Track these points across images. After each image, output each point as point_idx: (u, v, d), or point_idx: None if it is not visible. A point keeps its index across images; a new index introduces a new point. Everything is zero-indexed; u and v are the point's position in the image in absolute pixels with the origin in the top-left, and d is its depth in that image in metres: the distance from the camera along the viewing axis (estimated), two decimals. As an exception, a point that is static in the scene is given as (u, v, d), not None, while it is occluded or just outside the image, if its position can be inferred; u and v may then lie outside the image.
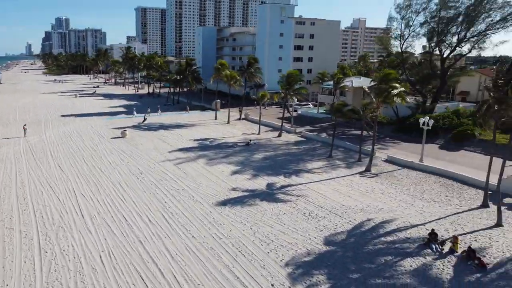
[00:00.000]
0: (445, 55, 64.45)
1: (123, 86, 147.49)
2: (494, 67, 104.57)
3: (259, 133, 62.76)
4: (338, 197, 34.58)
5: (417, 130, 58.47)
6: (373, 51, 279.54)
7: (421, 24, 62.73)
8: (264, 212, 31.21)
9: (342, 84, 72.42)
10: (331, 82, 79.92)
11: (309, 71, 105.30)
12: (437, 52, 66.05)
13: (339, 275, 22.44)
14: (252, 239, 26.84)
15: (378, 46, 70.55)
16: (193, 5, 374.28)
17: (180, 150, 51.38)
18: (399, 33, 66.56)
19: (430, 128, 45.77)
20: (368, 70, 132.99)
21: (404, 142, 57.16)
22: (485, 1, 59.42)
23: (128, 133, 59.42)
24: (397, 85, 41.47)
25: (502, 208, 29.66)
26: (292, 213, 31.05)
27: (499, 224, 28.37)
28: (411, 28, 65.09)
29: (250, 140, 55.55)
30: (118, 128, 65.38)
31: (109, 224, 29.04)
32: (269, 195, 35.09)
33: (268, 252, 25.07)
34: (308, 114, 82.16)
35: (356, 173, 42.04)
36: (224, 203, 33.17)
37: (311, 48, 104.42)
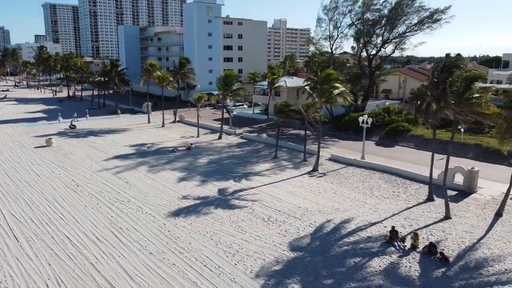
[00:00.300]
0: (371, 56, 67.67)
1: (38, 89, 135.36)
2: (408, 66, 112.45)
3: (198, 136, 60.82)
4: (293, 199, 34.29)
5: (353, 128, 60.90)
6: (295, 51, 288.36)
7: (349, 26, 65.26)
8: (221, 220, 29.84)
9: (277, 84, 72.99)
10: (265, 82, 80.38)
11: (240, 71, 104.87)
12: (364, 53, 69.18)
13: (313, 282, 21.92)
14: (215, 250, 25.39)
15: (310, 47, 71.75)
16: (109, 3, 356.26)
17: (117, 157, 47.84)
18: (328, 34, 68.66)
19: (369, 125, 47.52)
20: (295, 69, 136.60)
21: (342, 140, 58.97)
22: (404, 5, 63.43)
23: (54, 141, 54.08)
24: (338, 85, 42.31)
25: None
26: (251, 220, 30.05)
27: (447, 216, 29.96)
28: (339, 29, 67.46)
29: (191, 144, 53.53)
30: (41, 136, 59.40)
31: (51, 246, 25.75)
32: (223, 201, 33.75)
33: (235, 264, 23.83)
34: (244, 115, 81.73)
35: (304, 173, 42.21)
36: (177, 213, 31.19)
37: (240, 48, 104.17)
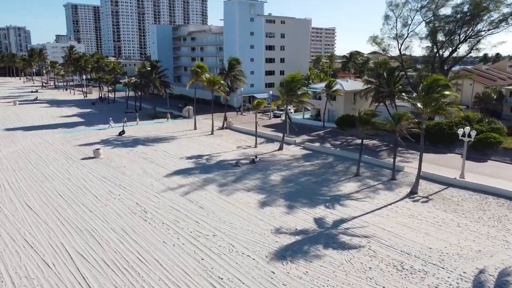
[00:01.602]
0: (444, 57, 60.64)
1: (66, 90, 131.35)
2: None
3: (255, 146, 54.68)
4: (414, 236, 27.80)
5: (431, 138, 54.02)
6: (320, 51, 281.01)
7: (426, 23, 58.26)
8: (342, 267, 23.55)
9: (334, 88, 66.47)
10: (318, 85, 73.94)
11: (282, 72, 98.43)
12: (434, 53, 62.14)
13: None
14: (356, 317, 19.09)
15: (373, 47, 65.11)
16: (130, 3, 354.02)
17: (178, 173, 41.99)
18: (396, 32, 61.80)
19: (472, 139, 40.77)
20: (334, 70, 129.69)
21: (412, 150, 51.92)
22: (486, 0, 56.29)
23: (101, 152, 48.58)
24: (447, 92, 35.57)
25: None
26: (379, 267, 23.68)
27: None
28: (409, 27, 60.55)
29: (255, 157, 47.38)
30: (85, 144, 54.10)
31: (140, 306, 19.80)
32: (329, 237, 27.46)
33: None
34: (294, 121, 75.26)
35: (404, 197, 35.63)
36: (281, 254, 25.02)
37: (282, 48, 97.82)
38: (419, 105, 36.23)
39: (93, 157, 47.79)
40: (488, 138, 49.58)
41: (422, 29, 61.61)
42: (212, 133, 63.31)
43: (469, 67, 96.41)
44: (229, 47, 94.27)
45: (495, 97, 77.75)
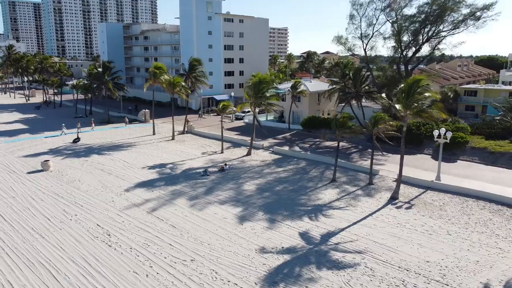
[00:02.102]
0: (408, 57, 60.52)
1: (5, 93, 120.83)
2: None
3: (222, 152, 51.52)
4: (407, 247, 26.03)
5: (397, 138, 53.37)
6: (273, 51, 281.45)
7: (392, 23, 57.64)
8: (340, 291, 21.18)
9: (300, 89, 64.70)
10: (282, 86, 71.87)
11: (241, 73, 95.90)
12: (396, 54, 61.87)
13: None
14: None
15: (338, 47, 63.89)
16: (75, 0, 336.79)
17: (141, 185, 38.00)
18: (360, 32, 60.87)
19: (447, 141, 40.12)
20: (292, 71, 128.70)
21: (389, 153, 51.15)
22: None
23: (51, 164, 43.41)
24: (428, 94, 34.35)
25: None
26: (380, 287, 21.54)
27: None
28: (374, 27, 59.83)
29: (225, 164, 44.24)
30: (31, 155, 48.50)
31: None
32: (320, 255, 25.03)
33: None
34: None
35: (386, 204, 34.04)
36: (271, 280, 22.23)
37: (241, 48, 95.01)
38: (398, 107, 34.81)
39: (41, 170, 42.56)
40: (455, 138, 49.51)
41: (387, 29, 60.54)
42: (173, 138, 59.34)
43: (422, 66, 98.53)
44: (186, 47, 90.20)
45: (451, 96, 79.46)
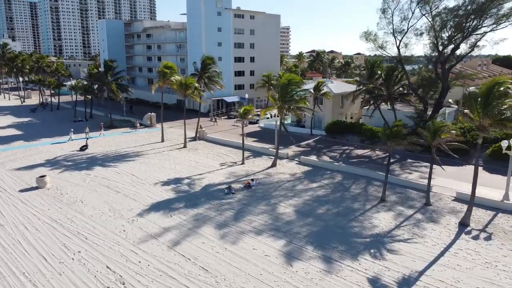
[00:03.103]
0: (446, 55, 54.22)
1: (0, 94, 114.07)
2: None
3: (243, 163, 45.26)
4: (517, 302, 19.86)
5: (461, 150, 47.38)
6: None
7: (434, 16, 51.24)
8: None
9: (324, 91, 58.49)
10: (303, 87, 65.51)
11: (252, 73, 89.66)
12: (434, 52, 55.58)
13: None
14: None
15: (368, 44, 57.72)
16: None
17: (156, 208, 31.69)
18: (393, 27, 54.55)
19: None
20: (302, 70, 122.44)
21: (426, 162, 44.89)
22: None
23: (48, 180, 37.03)
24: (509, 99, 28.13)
25: None
26: None
27: None
28: (409, 21, 53.49)
29: (252, 180, 37.96)
30: (24, 168, 42.16)
31: None
32: (407, 315, 18.79)
33: None
34: (273, 128, 66.50)
35: (458, 233, 27.85)
36: None
37: (252, 46, 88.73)
38: (472, 116, 28.64)
39: (36, 188, 36.18)
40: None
41: (423, 25, 54.23)
42: (185, 146, 53.02)
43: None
44: (193, 45, 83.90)
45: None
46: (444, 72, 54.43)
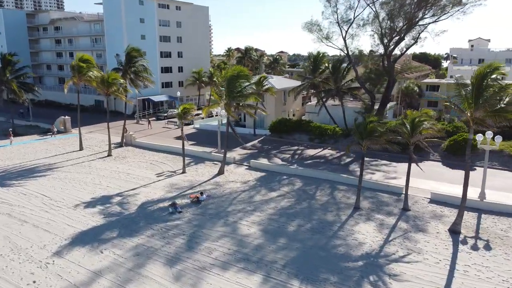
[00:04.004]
0: (390, 47, 51.89)
1: None
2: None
3: (184, 171, 38.26)
4: None
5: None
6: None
7: (381, 4, 48.13)
8: None
9: (267, 86, 53.21)
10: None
11: (180, 69, 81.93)
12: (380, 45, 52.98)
13: None
14: None
15: (312, 35, 53.29)
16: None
17: (79, 242, 23.74)
18: (337, 18, 50.89)
19: (497, 147, 31.45)
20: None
21: (383, 160, 41.95)
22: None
23: None
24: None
25: None
26: None
27: None
28: (355, 11, 50.14)
29: (201, 193, 31.18)
30: None
31: None
32: None
33: None
34: (210, 128, 59.99)
35: (454, 244, 23.94)
36: None
37: (179, 39, 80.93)
38: (462, 108, 24.96)
39: None
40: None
41: (369, 14, 51.04)
42: (109, 155, 44.44)
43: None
44: (113, 38, 74.14)
45: (417, 91, 73.75)
46: (390, 65, 51.99)
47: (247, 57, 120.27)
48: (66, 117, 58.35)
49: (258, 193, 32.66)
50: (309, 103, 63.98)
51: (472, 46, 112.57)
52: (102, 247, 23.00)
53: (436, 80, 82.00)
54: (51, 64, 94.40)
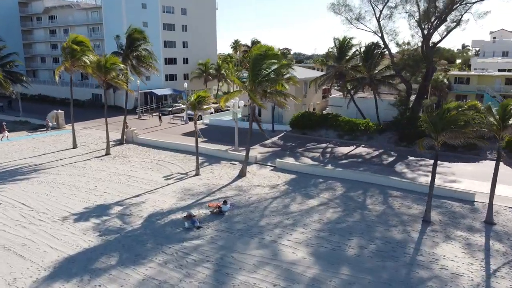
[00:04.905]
0: (431, 30, 45.15)
1: None
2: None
3: (198, 173, 31.59)
4: None
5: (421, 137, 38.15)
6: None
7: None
8: None
9: (288, 75, 46.38)
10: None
11: (185, 60, 75.23)
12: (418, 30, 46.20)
13: None
14: None
15: (341, 17, 46.56)
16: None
17: (63, 275, 17.08)
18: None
19: None
20: (240, 61, 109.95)
21: (432, 160, 35.31)
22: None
23: None
24: None
25: None
26: None
27: None
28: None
29: (225, 201, 24.47)
30: None
31: None
32: None
33: None
34: (222, 124, 53.40)
35: None
36: None
37: (184, 28, 74.18)
38: None
39: None
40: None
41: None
42: (108, 153, 37.76)
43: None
44: (112, 26, 67.38)
45: (447, 84, 67.08)
46: (428, 50, 45.22)
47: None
48: (59, 111, 51.65)
49: (293, 200, 26.02)
50: (332, 95, 57.31)
51: (494, 38, 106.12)
52: (95, 282, 16.35)
53: (465, 72, 75.30)
54: (45, 57, 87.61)
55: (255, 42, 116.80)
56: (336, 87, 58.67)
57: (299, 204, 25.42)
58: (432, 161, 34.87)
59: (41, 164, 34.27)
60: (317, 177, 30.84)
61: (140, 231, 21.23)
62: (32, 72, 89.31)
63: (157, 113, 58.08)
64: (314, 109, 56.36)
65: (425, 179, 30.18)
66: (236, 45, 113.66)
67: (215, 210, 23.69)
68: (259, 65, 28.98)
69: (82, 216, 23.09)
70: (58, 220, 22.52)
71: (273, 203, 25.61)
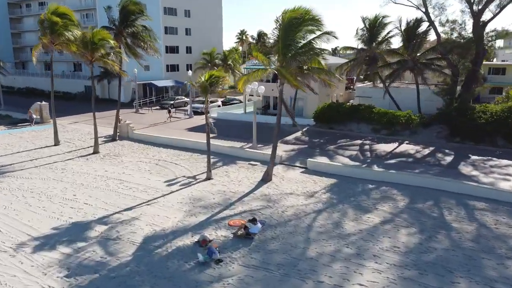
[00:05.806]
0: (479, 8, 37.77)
1: None
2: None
3: (209, 177, 24.37)
4: None
5: (480, 131, 31.18)
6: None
7: None
8: None
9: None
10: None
11: (188, 49, 68.06)
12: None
13: None
14: None
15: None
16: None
17: None
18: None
19: None
20: (245, 51, 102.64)
21: (496, 158, 28.08)
22: None
23: None
24: None
25: None
26: None
27: None
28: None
29: (254, 220, 17.26)
30: None
31: None
32: None
33: None
34: (234, 118, 46.24)
35: None
36: None
37: (187, 14, 66.98)
38: None
39: None
40: None
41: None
42: (96, 151, 30.56)
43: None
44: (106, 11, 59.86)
45: (482, 74, 59.72)
46: (478, 30, 37.89)
47: (261, 42, 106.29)
48: (43, 102, 44.45)
49: (345, 216, 18.81)
50: (358, 85, 50.16)
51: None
52: None
53: (500, 62, 68.10)
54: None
55: (261, 34, 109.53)
56: (362, 76, 51.41)
57: (354, 221, 18.22)
58: (503, 161, 27.89)
59: (10, 165, 27.07)
60: (364, 182, 23.63)
61: (131, 268, 14.02)
62: (22, 64, 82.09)
63: (166, 107, 49.95)
64: (337, 101, 49.23)
65: (508, 184, 22.99)
66: (242, 35, 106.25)
67: (239, 232, 16.48)
68: (293, 33, 21.74)
69: (47, 242, 15.88)
70: (9, 248, 15.31)
71: (318, 219, 18.41)
